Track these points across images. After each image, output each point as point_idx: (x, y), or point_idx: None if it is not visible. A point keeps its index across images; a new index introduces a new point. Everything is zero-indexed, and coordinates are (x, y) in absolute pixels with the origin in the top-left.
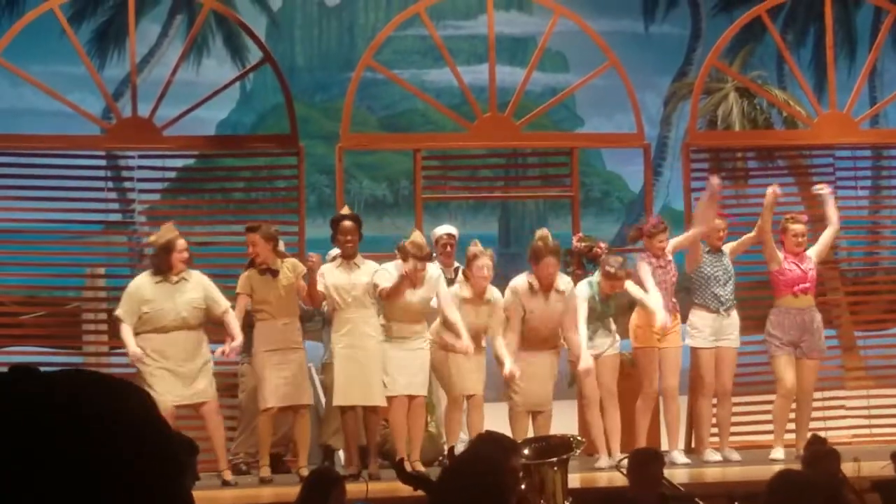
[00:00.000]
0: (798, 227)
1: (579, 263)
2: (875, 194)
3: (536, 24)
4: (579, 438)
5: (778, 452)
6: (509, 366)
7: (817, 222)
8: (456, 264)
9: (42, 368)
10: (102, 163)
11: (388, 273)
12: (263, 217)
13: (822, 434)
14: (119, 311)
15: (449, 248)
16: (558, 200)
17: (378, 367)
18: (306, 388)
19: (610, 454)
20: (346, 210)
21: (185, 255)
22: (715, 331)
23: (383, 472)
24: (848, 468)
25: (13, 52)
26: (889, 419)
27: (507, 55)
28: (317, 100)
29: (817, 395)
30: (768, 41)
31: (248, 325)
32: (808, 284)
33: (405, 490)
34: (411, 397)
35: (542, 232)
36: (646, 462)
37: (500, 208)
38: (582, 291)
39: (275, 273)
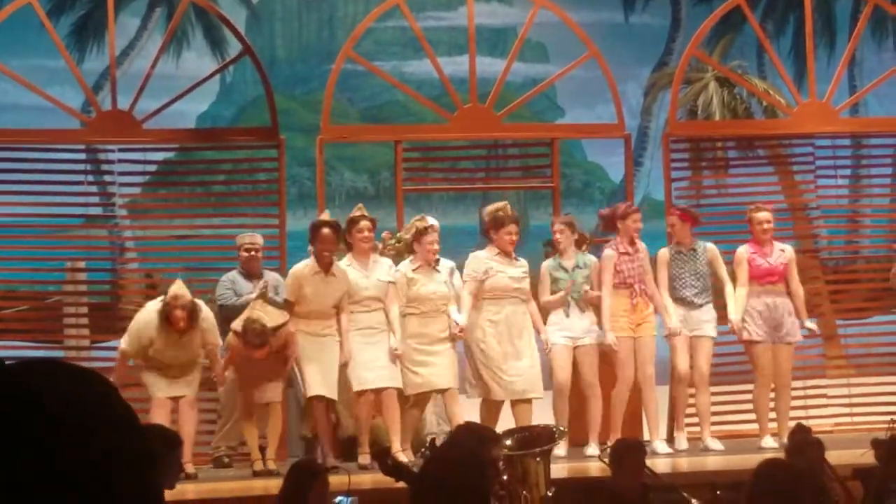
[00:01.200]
0: (763, 215)
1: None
2: (855, 183)
3: (517, 15)
4: (562, 429)
5: (767, 441)
6: (463, 320)
7: (797, 211)
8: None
9: None
10: (82, 156)
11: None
12: (244, 210)
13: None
14: (124, 346)
15: None
16: (539, 191)
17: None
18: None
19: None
20: (326, 215)
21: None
22: (688, 321)
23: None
24: (832, 456)
25: None
26: (870, 407)
27: (488, 46)
28: (297, 92)
29: (798, 384)
30: (748, 31)
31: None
32: (775, 277)
33: (388, 482)
34: (379, 390)
35: (500, 203)
36: (628, 452)
37: (481, 199)
38: (546, 265)
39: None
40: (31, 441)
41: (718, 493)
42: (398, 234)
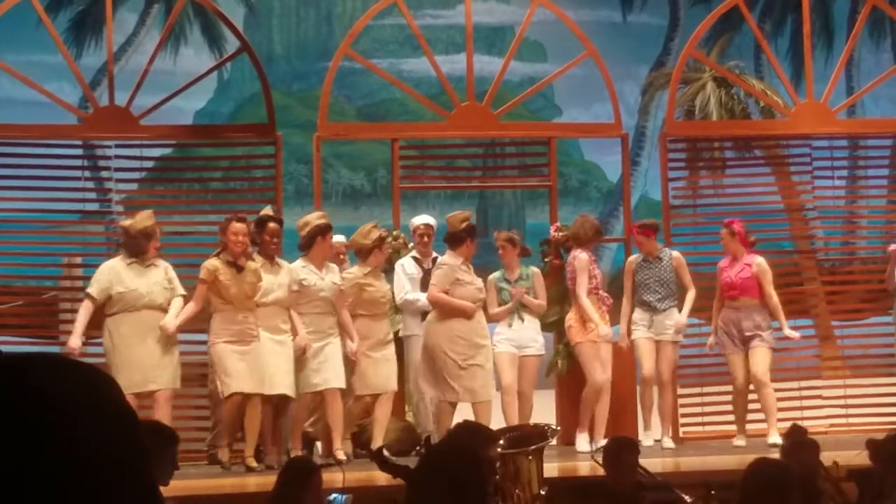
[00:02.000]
0: (722, 231)
1: (557, 253)
2: (852, 184)
3: (514, 14)
4: (554, 427)
5: (739, 440)
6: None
7: (793, 212)
8: (434, 254)
9: None
10: (79, 152)
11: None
12: (241, 207)
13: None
14: (90, 289)
15: (426, 238)
16: (536, 190)
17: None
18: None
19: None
20: (269, 210)
21: (157, 244)
22: (654, 325)
23: (361, 461)
24: (827, 457)
25: None
26: (866, 408)
27: (485, 44)
28: (294, 89)
29: (794, 384)
30: (746, 31)
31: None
32: (736, 291)
33: (383, 478)
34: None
35: (466, 213)
36: (621, 450)
37: (478, 198)
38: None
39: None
40: (27, 434)
41: (713, 492)
42: (395, 232)
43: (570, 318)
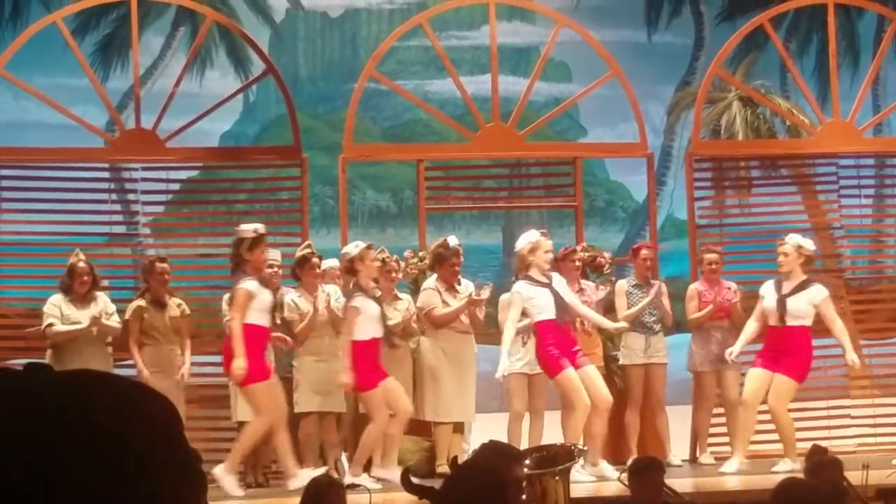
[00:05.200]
0: (710, 257)
1: (583, 273)
2: (879, 203)
3: (539, 34)
4: (581, 447)
5: (704, 457)
6: None
7: (820, 230)
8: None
9: None
10: (106, 175)
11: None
12: (267, 228)
13: (825, 443)
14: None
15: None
16: (562, 210)
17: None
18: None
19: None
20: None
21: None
22: (649, 347)
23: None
24: (855, 476)
25: (17, 64)
26: (894, 427)
27: (510, 65)
28: (320, 111)
29: (822, 404)
30: (771, 50)
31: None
32: (722, 313)
33: (408, 499)
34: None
35: (441, 240)
36: (645, 470)
37: (503, 218)
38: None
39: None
40: (72, 451)
41: None
42: (420, 253)
43: None
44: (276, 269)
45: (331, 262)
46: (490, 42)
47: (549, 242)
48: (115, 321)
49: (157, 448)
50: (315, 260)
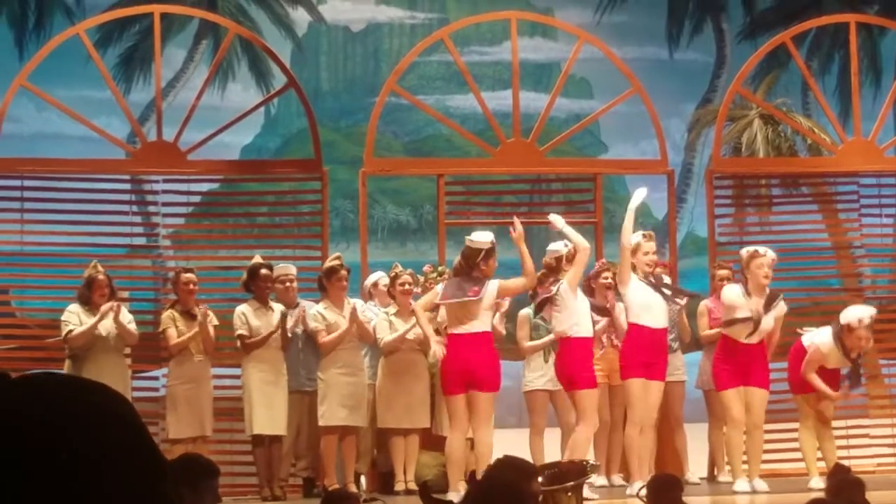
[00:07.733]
0: (722, 273)
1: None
2: None
3: (561, 51)
4: (594, 463)
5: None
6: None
7: (841, 249)
8: None
9: None
10: (127, 187)
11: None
12: (287, 242)
13: (846, 462)
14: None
15: None
16: (582, 226)
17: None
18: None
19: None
20: (258, 259)
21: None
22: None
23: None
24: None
25: (39, 76)
26: None
27: (532, 81)
28: (341, 125)
29: (841, 423)
30: (793, 68)
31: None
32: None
33: None
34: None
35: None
36: (665, 487)
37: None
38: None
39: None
40: (41, 451)
41: None
42: (439, 268)
43: None
44: (289, 283)
45: (378, 277)
46: (511, 57)
47: (651, 244)
48: (132, 328)
49: (106, 444)
50: (343, 272)
